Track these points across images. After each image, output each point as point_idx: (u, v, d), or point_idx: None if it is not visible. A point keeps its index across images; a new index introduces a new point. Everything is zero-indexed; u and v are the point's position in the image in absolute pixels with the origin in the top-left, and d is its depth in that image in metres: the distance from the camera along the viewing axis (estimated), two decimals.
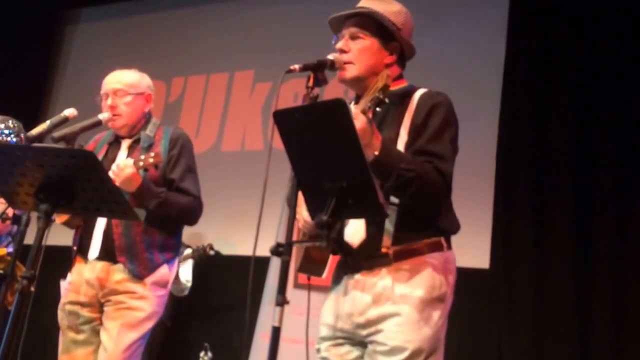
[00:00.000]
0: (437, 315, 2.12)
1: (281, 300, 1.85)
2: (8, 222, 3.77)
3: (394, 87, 2.26)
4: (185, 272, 5.14)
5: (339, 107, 1.81)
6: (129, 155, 3.13)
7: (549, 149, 4.51)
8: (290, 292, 1.91)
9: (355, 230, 2.19)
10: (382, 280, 2.14)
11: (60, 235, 3.14)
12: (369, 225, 2.17)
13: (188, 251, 5.14)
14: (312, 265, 2.21)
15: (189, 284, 5.17)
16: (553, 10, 4.75)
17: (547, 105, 4.59)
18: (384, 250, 2.14)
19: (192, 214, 3.17)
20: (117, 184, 2.78)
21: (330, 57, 2.20)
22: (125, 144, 3.22)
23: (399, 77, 2.33)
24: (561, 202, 4.38)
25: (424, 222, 2.17)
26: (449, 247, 2.22)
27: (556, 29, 4.72)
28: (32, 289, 2.07)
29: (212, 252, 5.11)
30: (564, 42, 4.67)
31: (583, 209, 4.31)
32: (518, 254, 4.43)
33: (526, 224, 4.44)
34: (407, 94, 2.27)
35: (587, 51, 4.55)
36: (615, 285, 4.11)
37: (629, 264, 4.11)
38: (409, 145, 2.16)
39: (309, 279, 2.23)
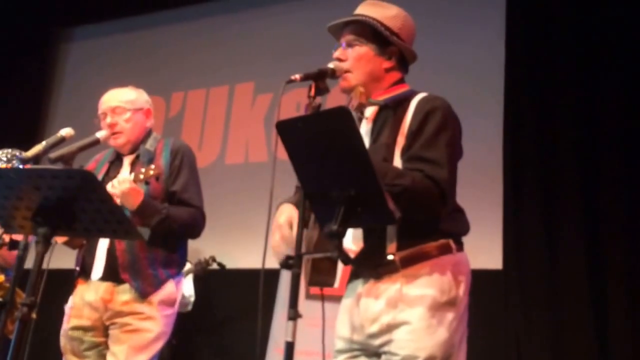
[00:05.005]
0: (449, 319, 2.08)
1: (293, 315, 1.82)
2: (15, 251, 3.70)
3: (394, 93, 2.27)
4: (187, 286, 5.03)
5: (342, 115, 1.79)
6: (132, 171, 3.06)
7: (556, 145, 4.48)
8: (303, 304, 1.87)
9: (353, 239, 2.15)
10: (391, 287, 2.11)
11: (64, 258, 3.08)
12: (370, 232, 2.14)
13: (187, 266, 5.04)
14: (321, 276, 2.15)
15: (192, 299, 5.05)
16: (550, 7, 4.73)
17: (551, 102, 4.56)
18: (389, 257, 2.11)
19: (195, 227, 3.12)
20: (118, 199, 2.72)
21: (331, 65, 2.20)
22: (127, 160, 3.17)
23: (400, 81, 2.32)
24: (571, 198, 4.34)
25: (427, 226, 2.13)
26: (460, 249, 2.19)
27: (555, 24, 4.69)
28: (34, 316, 2.01)
29: (215, 265, 4.96)
30: (564, 37, 4.63)
31: (593, 204, 4.28)
32: (531, 253, 4.39)
33: (537, 221, 4.40)
34: (405, 99, 2.24)
35: (587, 46, 4.52)
36: (630, 280, 4.07)
37: None
38: (405, 151, 2.14)
39: (321, 289, 2.19)
